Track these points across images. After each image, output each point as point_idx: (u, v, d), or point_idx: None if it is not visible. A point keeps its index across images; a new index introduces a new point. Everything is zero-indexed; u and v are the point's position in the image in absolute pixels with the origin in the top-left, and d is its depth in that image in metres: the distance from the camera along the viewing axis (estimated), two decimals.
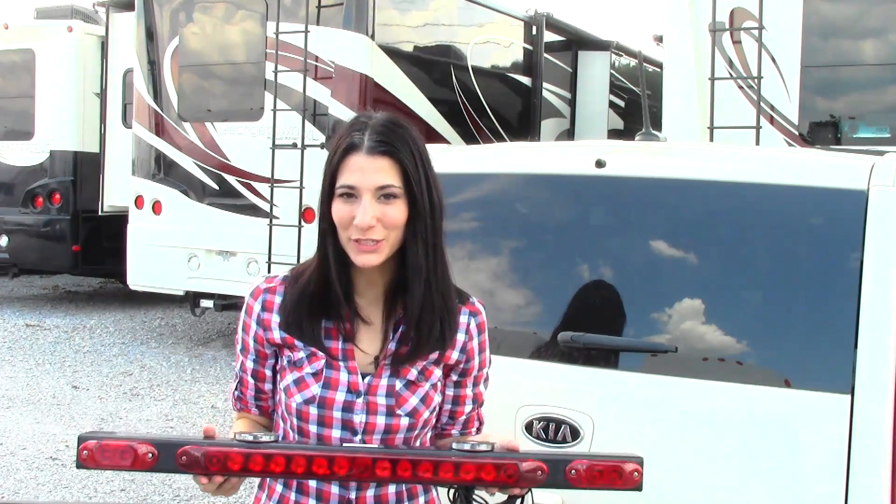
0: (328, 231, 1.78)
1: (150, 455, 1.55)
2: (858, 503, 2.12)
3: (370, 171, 1.72)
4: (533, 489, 1.70)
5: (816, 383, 2.22)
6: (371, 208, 1.71)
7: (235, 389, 1.93)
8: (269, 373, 1.89)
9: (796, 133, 6.40)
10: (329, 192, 1.76)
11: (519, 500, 1.75)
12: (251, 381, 1.90)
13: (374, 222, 1.72)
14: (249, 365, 1.89)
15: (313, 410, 1.78)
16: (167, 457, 1.55)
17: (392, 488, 1.82)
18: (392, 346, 1.82)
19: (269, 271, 7.60)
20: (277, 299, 1.85)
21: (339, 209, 1.74)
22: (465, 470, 1.59)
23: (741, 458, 2.23)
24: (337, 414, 1.77)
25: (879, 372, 2.13)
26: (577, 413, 2.38)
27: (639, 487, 1.64)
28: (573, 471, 1.61)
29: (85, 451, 1.55)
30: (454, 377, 1.90)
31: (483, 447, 1.62)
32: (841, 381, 2.16)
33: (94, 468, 1.56)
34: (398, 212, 1.74)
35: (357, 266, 1.78)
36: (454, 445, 1.64)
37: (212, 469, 1.57)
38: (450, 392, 1.90)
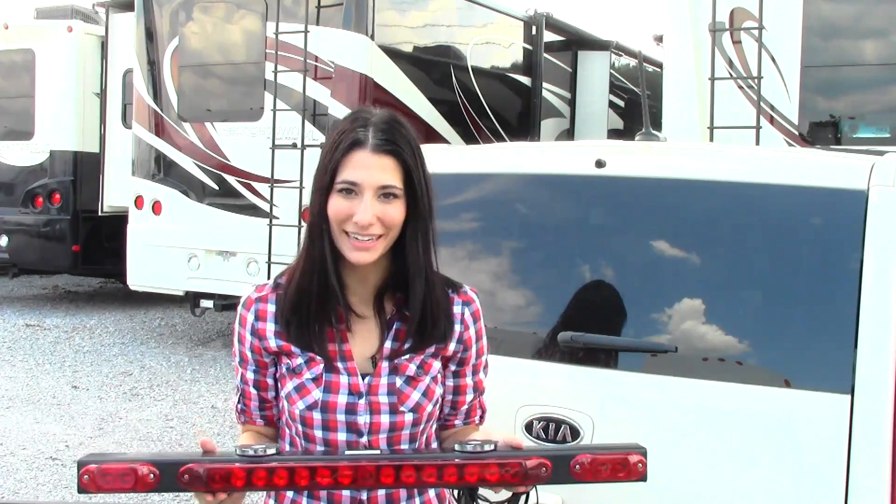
0: (323, 227, 1.76)
1: (152, 476, 1.55)
2: (858, 503, 2.12)
3: (375, 168, 1.72)
4: (538, 486, 1.69)
5: (816, 383, 2.21)
6: (372, 207, 1.71)
7: (238, 402, 1.91)
8: (270, 381, 1.87)
9: (796, 133, 6.40)
10: (328, 187, 1.74)
11: (523, 497, 1.75)
12: (254, 391, 1.88)
13: (375, 220, 1.71)
14: (250, 376, 1.87)
15: (317, 415, 1.77)
16: (169, 476, 1.55)
17: None
18: (388, 343, 1.81)
19: (269, 271, 7.60)
20: (270, 307, 1.83)
21: (337, 204, 1.73)
22: (469, 472, 1.59)
23: (741, 458, 2.23)
24: (341, 417, 1.76)
25: (879, 372, 2.13)
26: (577, 413, 2.38)
27: (643, 478, 1.63)
28: (577, 465, 1.60)
29: (86, 476, 1.54)
30: (452, 367, 1.89)
31: (486, 447, 1.61)
32: (841, 381, 2.16)
33: (96, 492, 1.56)
34: (398, 211, 1.74)
35: (349, 264, 1.77)
36: (457, 447, 1.63)
37: (215, 486, 1.56)
38: (450, 383, 1.90)
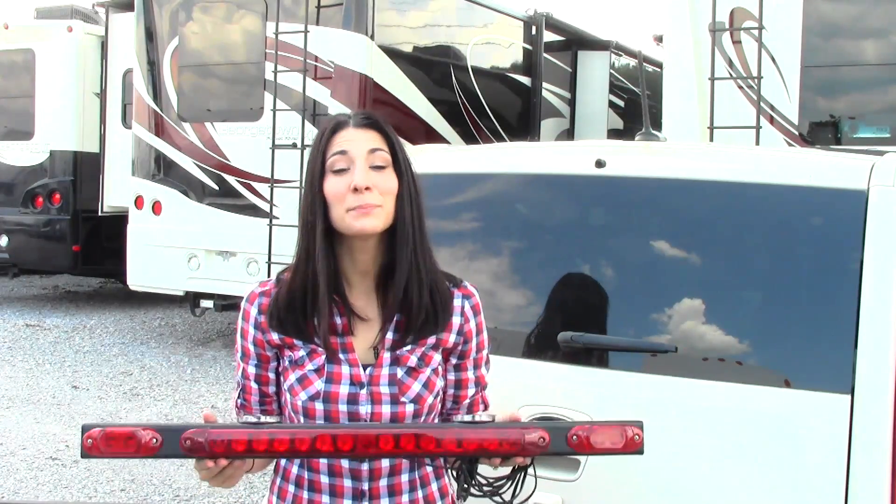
0: (316, 221, 1.81)
1: (155, 440, 1.56)
2: (858, 503, 2.12)
3: (361, 140, 1.82)
4: (535, 460, 1.72)
5: (816, 383, 2.22)
6: (367, 173, 1.79)
7: (238, 398, 1.93)
8: (272, 376, 1.90)
9: (796, 133, 6.40)
10: (321, 171, 1.82)
11: (522, 472, 1.76)
12: (254, 386, 1.90)
13: (371, 185, 1.78)
14: (252, 370, 1.90)
15: (319, 406, 1.80)
16: (171, 442, 1.57)
17: (405, 476, 1.84)
18: (390, 334, 1.84)
19: (269, 271, 7.60)
20: None
21: (333, 183, 1.81)
22: (468, 440, 1.61)
23: (741, 459, 2.23)
24: (342, 407, 1.79)
25: (879, 372, 2.13)
26: (576, 413, 2.38)
27: (640, 451, 1.65)
28: (575, 437, 1.62)
29: (89, 440, 1.56)
30: (453, 360, 1.92)
31: (485, 418, 1.65)
32: (841, 381, 2.16)
33: (100, 457, 1.57)
34: (390, 180, 1.82)
35: (347, 259, 1.83)
36: (455, 419, 1.68)
37: (216, 451, 1.58)
38: (451, 376, 1.92)
